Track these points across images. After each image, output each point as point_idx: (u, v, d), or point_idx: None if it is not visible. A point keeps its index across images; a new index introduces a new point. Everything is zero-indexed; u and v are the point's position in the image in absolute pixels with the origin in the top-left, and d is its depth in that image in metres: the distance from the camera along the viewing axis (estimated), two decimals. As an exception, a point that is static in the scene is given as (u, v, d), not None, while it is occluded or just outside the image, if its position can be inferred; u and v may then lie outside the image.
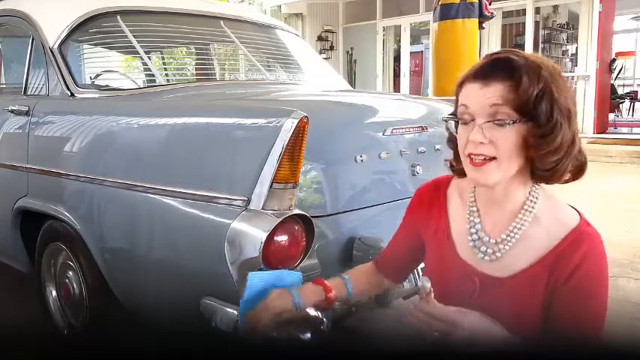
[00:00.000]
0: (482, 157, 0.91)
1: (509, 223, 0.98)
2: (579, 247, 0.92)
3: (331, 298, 1.13)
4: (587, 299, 0.91)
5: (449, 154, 1.07)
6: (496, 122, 0.89)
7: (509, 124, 0.88)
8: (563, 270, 0.92)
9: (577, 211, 0.98)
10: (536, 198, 0.97)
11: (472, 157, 0.92)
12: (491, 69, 0.91)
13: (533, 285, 0.94)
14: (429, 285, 0.92)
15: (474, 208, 1.04)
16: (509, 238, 0.97)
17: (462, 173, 1.01)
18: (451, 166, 1.07)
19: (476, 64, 0.95)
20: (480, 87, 0.91)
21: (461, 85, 0.96)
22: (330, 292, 1.13)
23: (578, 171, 0.97)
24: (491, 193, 0.99)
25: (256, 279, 1.10)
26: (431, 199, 1.13)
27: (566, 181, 0.97)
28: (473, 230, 1.02)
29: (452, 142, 1.03)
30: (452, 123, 0.98)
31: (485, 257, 0.99)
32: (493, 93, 0.89)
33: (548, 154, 0.90)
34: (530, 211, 0.97)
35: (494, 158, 0.91)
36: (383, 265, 1.23)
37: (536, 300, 0.94)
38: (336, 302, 1.15)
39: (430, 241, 1.12)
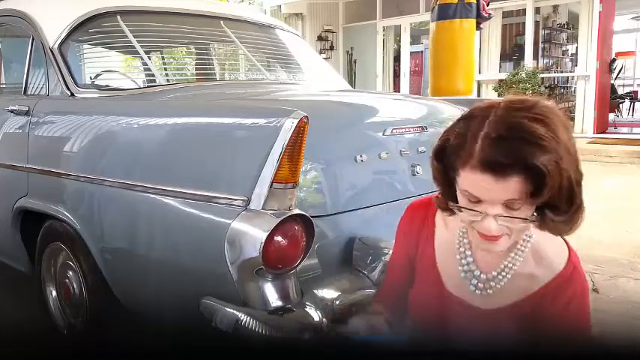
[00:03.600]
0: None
1: (500, 260, 0.97)
2: (565, 292, 0.93)
3: None
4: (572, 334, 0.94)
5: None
6: (513, 217, 0.84)
7: (530, 222, 0.85)
8: (549, 311, 0.93)
9: (567, 244, 0.98)
10: (530, 237, 0.97)
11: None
12: (505, 163, 0.79)
13: (515, 320, 0.96)
14: None
15: (465, 240, 1.02)
16: (500, 277, 0.97)
17: (453, 212, 0.96)
18: (440, 203, 0.98)
19: (477, 148, 0.81)
20: (492, 180, 0.81)
21: (463, 164, 0.84)
22: None
23: None
24: None
25: None
26: (421, 221, 1.10)
27: None
28: (464, 262, 1.01)
29: (438, 180, 0.96)
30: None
31: (477, 291, 0.99)
32: (508, 189, 0.81)
33: (571, 229, 0.89)
34: (523, 251, 0.96)
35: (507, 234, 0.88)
36: (386, 299, 1.18)
37: (517, 332, 0.95)
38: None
39: (418, 265, 1.10)
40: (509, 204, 0.83)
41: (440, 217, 1.08)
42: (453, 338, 1.01)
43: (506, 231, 0.87)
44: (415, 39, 11.12)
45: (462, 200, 0.88)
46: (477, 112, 0.86)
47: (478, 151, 0.81)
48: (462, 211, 0.89)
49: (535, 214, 0.86)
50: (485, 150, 0.81)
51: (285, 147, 1.29)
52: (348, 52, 10.70)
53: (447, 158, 0.89)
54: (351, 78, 10.37)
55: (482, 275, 0.99)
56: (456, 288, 1.02)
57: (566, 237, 0.99)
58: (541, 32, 9.37)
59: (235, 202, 1.34)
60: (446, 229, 1.07)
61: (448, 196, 0.94)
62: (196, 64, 2.83)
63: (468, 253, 1.01)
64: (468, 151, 0.83)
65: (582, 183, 0.87)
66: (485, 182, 0.82)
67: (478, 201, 0.85)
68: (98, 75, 2.27)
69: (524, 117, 0.81)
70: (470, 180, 0.84)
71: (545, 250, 0.97)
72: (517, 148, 0.79)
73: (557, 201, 0.83)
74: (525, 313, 0.95)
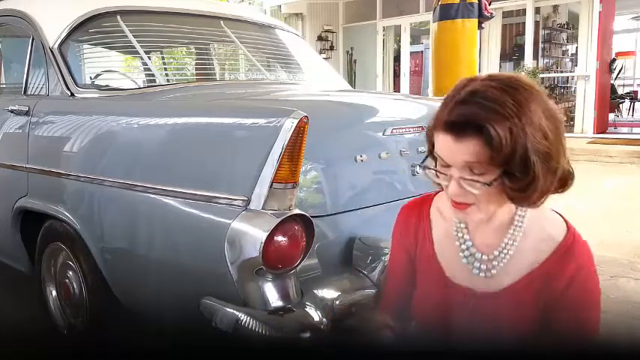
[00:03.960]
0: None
1: (499, 239, 0.98)
2: (570, 262, 0.93)
3: None
4: (583, 310, 0.93)
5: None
6: (472, 180, 0.87)
7: (486, 184, 0.86)
8: (557, 284, 0.93)
9: (563, 218, 0.99)
10: (525, 211, 0.97)
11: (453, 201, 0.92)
12: (461, 125, 0.85)
13: (522, 297, 0.95)
14: None
15: (462, 225, 1.03)
16: (502, 255, 0.97)
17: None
18: (427, 170, 0.99)
19: (445, 112, 0.88)
20: (452, 140, 0.86)
21: (434, 128, 0.91)
22: None
23: (564, 184, 0.93)
24: None
25: None
26: (416, 219, 1.11)
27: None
28: (464, 247, 1.01)
29: (430, 152, 0.98)
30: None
31: (481, 274, 0.99)
32: (466, 150, 0.85)
33: (527, 199, 0.89)
34: (520, 226, 0.97)
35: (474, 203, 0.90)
36: (388, 305, 1.17)
37: (527, 310, 0.95)
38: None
39: (418, 264, 1.10)
40: (471, 167, 0.86)
41: (435, 210, 1.08)
42: (459, 336, 1.01)
43: (472, 199, 0.89)
44: (415, 39, 11.12)
45: (437, 166, 0.93)
46: (463, 82, 0.91)
47: (446, 114, 0.87)
48: (438, 177, 0.93)
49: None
50: (450, 112, 0.87)
51: (285, 147, 1.29)
52: (348, 52, 10.71)
53: None
54: (351, 78, 10.38)
55: (483, 256, 0.99)
56: (459, 277, 1.02)
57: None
58: (541, 32, 9.38)
59: (235, 202, 1.34)
60: (442, 220, 1.07)
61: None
62: (196, 64, 2.83)
63: (467, 237, 1.01)
64: (440, 115, 0.89)
65: (558, 163, 0.88)
66: (447, 142, 0.87)
67: (447, 166, 0.89)
68: (98, 75, 2.27)
69: (490, 86, 0.86)
70: (437, 142, 0.90)
71: (543, 225, 0.97)
72: (472, 111, 0.84)
73: (512, 168, 0.85)
74: (532, 289, 0.95)
